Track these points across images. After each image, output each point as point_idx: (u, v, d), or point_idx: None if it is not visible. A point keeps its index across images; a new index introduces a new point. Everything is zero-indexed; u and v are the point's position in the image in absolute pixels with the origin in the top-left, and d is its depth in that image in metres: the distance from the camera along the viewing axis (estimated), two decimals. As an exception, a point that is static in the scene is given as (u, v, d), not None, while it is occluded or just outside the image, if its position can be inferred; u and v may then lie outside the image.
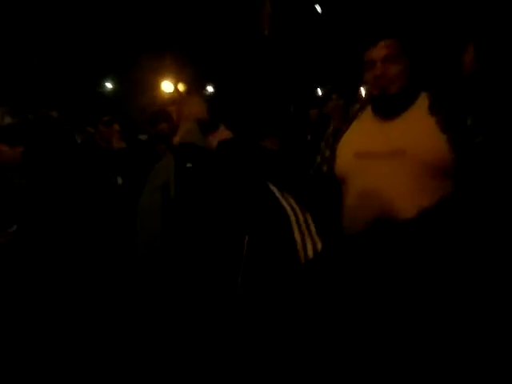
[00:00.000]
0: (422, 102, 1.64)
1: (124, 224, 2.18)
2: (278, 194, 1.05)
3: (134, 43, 11.38)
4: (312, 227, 1.03)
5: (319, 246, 1.02)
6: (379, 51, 1.62)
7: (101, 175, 2.34)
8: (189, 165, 1.24)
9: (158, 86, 12.00)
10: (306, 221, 1.02)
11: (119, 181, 2.38)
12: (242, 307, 1.03)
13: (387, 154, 1.60)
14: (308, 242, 1.00)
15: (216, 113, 1.28)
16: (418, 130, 1.59)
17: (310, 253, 1.00)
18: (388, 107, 1.66)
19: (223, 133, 1.39)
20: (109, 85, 13.94)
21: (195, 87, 10.76)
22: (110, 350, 1.95)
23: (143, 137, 4.48)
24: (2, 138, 1.86)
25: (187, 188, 1.23)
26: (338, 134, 1.83)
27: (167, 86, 11.87)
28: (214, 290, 1.05)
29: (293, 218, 1.01)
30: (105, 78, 13.62)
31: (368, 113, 1.77)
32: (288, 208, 1.02)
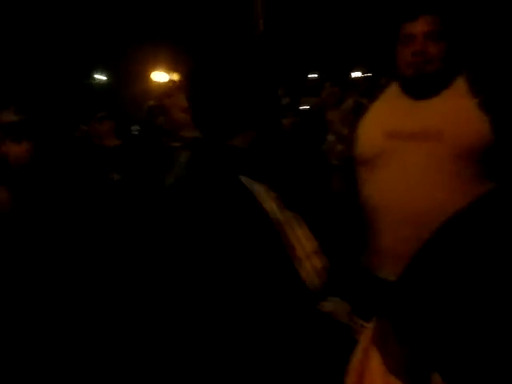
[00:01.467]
0: (459, 84, 1.54)
1: (123, 219, 2.18)
2: (248, 183, 1.05)
3: (124, 33, 11.21)
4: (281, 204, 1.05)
5: (291, 217, 1.04)
6: (422, 26, 1.49)
7: (96, 172, 2.32)
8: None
9: (150, 77, 11.88)
10: (276, 198, 1.04)
11: (115, 177, 2.37)
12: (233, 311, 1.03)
13: (422, 135, 1.49)
14: (281, 216, 1.02)
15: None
16: (456, 112, 1.49)
17: (287, 225, 1.02)
18: (422, 87, 1.54)
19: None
20: (99, 76, 13.77)
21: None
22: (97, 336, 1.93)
23: (135, 128, 4.44)
24: (8, 135, 1.85)
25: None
26: (361, 110, 1.69)
27: (160, 77, 11.75)
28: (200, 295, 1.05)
29: (265, 197, 1.03)
30: (94, 69, 13.43)
31: (395, 90, 1.64)
32: (257, 190, 1.04)
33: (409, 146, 1.52)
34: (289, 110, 3.35)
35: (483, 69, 1.69)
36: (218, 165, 1.09)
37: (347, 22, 11.34)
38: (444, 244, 0.49)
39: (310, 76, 11.95)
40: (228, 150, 1.10)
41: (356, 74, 10.53)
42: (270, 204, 1.04)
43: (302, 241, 1.04)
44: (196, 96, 1.15)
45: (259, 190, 1.04)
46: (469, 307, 0.42)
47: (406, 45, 1.51)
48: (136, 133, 3.85)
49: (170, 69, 11.17)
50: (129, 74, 11.72)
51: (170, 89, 2.47)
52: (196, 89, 1.15)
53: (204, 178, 1.09)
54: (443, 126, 1.48)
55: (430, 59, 1.49)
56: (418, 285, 0.48)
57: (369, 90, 1.81)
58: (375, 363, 0.51)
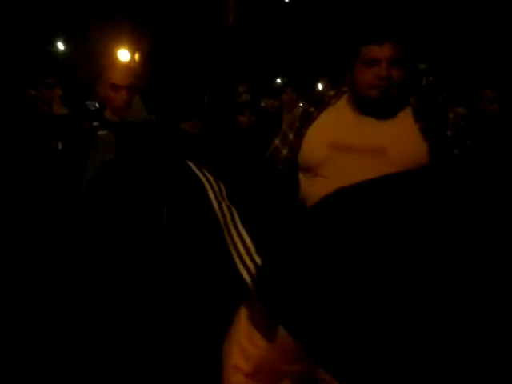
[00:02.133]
0: (407, 108, 1.62)
1: (62, 189, 2.12)
2: (194, 167, 1.07)
3: (87, 7, 10.84)
4: (224, 194, 1.06)
5: (234, 210, 1.05)
6: (387, 51, 1.53)
7: (40, 139, 2.24)
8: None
9: (112, 54, 11.53)
10: (219, 188, 1.05)
11: (59, 146, 2.30)
12: (169, 274, 1.04)
13: (367, 150, 1.56)
14: (224, 206, 1.03)
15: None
16: (402, 133, 1.58)
17: (228, 217, 1.03)
18: (378, 108, 1.61)
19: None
20: (61, 45, 13.21)
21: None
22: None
23: (92, 103, 4.31)
24: None
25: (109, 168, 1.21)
26: (308, 118, 1.73)
27: (123, 55, 11.44)
28: (139, 263, 1.06)
29: (207, 186, 1.04)
30: (57, 37, 12.88)
31: (345, 103, 1.69)
32: (203, 178, 1.05)
33: (352, 158, 1.57)
34: (247, 107, 3.37)
35: (426, 96, 1.78)
36: (168, 146, 1.09)
37: (319, 32, 11.58)
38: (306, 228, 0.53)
39: (278, 81, 12.10)
40: (178, 132, 1.11)
41: (321, 86, 10.77)
42: (212, 194, 1.06)
43: (244, 236, 1.06)
44: (153, 75, 1.16)
45: (204, 178, 1.05)
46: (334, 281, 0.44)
47: (368, 67, 1.55)
48: (92, 108, 3.75)
49: (133, 48, 10.91)
50: (91, 50, 11.33)
51: (132, 67, 2.42)
52: (154, 68, 1.16)
53: (151, 158, 1.09)
54: (388, 144, 1.55)
55: (393, 83, 1.55)
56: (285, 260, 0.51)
57: (318, 100, 1.82)
58: (243, 322, 0.54)
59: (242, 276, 1.01)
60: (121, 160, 1.18)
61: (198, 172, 1.04)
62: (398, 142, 1.55)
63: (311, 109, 1.75)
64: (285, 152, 1.78)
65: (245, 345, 0.52)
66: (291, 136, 1.77)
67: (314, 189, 1.61)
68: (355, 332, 0.41)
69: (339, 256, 0.45)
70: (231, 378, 0.54)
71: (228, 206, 1.05)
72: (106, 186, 1.15)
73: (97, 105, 3.13)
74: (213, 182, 1.04)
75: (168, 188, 1.03)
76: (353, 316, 0.41)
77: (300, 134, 1.72)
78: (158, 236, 1.02)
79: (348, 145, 1.60)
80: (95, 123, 2.10)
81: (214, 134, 1.18)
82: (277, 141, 1.85)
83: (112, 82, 2.11)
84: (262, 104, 4.11)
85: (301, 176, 1.72)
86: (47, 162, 2.21)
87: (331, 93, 1.80)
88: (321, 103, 1.76)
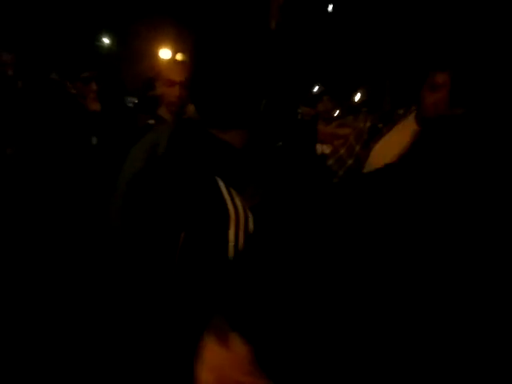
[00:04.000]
0: None
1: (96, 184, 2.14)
2: (224, 190, 0.98)
3: (134, 8, 11.12)
4: (250, 225, 0.98)
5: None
6: (445, 78, 1.63)
7: (75, 133, 2.28)
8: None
9: (155, 55, 11.79)
10: (246, 219, 0.97)
11: (93, 141, 2.34)
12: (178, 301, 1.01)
13: None
14: (240, 236, 0.96)
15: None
16: None
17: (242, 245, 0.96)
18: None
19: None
20: (106, 40, 13.60)
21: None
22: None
23: (131, 100, 4.41)
24: None
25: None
26: (376, 133, 1.85)
27: (165, 54, 11.67)
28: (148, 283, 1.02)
29: (233, 216, 0.95)
30: (103, 32, 13.27)
31: (413, 121, 1.79)
32: (230, 206, 0.96)
33: None
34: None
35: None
36: (201, 157, 1.00)
37: (359, 44, 11.48)
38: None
39: (315, 90, 12.05)
40: (216, 142, 1.01)
41: (357, 97, 10.66)
42: (233, 228, 0.95)
43: None
44: (197, 78, 1.07)
45: (232, 205, 0.95)
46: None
47: (430, 91, 1.66)
48: (130, 105, 3.82)
49: (176, 47, 11.10)
50: (135, 50, 11.61)
51: (173, 65, 2.46)
52: (199, 70, 1.07)
53: (180, 171, 1.00)
54: None
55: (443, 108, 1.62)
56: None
57: (386, 116, 1.97)
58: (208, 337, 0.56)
59: None
60: (150, 170, 1.11)
61: (226, 196, 0.94)
62: None
63: (380, 125, 1.87)
64: (350, 162, 1.88)
65: (208, 357, 0.54)
66: (357, 148, 1.87)
67: None
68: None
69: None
70: None
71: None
72: (132, 199, 1.10)
73: (135, 101, 3.17)
74: (240, 211, 0.95)
75: (190, 210, 0.94)
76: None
77: (368, 147, 1.82)
78: (170, 262, 0.95)
79: None
80: (151, 121, 2.12)
81: (263, 147, 1.10)
82: (341, 150, 1.95)
83: (168, 77, 2.17)
84: (299, 111, 4.08)
85: None
86: (81, 157, 2.25)
87: (401, 111, 1.91)
88: (390, 120, 1.88)
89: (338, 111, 4.27)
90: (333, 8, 11.87)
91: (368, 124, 1.98)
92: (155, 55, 11.72)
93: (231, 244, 0.92)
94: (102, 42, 13.47)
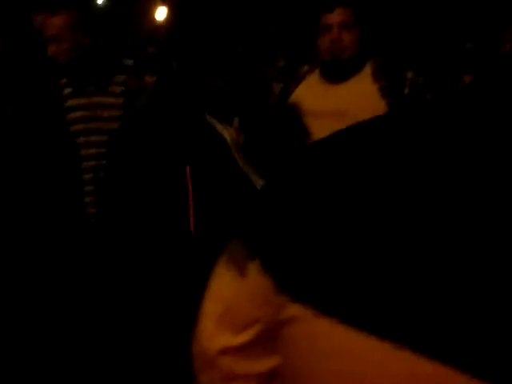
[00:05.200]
0: (368, 69, 1.80)
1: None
2: (216, 123, 1.05)
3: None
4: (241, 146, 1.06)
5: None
6: (337, 17, 1.72)
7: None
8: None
9: (152, 14, 11.43)
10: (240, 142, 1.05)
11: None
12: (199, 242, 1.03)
13: (330, 114, 1.72)
14: (241, 156, 1.04)
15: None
16: (360, 94, 1.74)
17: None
18: (336, 72, 1.79)
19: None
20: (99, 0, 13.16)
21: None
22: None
23: (129, 61, 4.33)
24: None
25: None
26: (286, 94, 1.96)
27: (161, 13, 11.32)
28: (166, 226, 1.05)
29: (229, 138, 1.03)
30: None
31: (315, 75, 1.90)
32: (226, 135, 1.04)
33: (317, 123, 1.75)
34: (284, 73, 3.31)
35: (385, 58, 1.94)
36: (190, 98, 1.10)
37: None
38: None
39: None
40: (201, 82, 1.11)
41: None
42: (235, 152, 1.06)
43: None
44: (180, 26, 1.15)
45: (226, 132, 1.04)
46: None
47: (324, 34, 1.75)
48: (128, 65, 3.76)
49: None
50: (131, 8, 11.25)
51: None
52: (181, 20, 1.18)
53: (169, 108, 1.10)
54: (348, 106, 1.71)
55: (344, 47, 1.73)
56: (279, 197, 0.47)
57: (294, 76, 2.17)
58: (218, 267, 0.52)
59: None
60: (144, 114, 1.17)
61: (219, 127, 1.03)
62: (357, 102, 1.70)
63: (288, 85, 2.00)
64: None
65: (216, 286, 0.51)
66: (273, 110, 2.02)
67: None
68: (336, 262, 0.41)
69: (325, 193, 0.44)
70: (200, 325, 0.53)
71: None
72: (128, 142, 1.14)
73: (132, 62, 3.11)
74: (234, 137, 1.04)
75: (190, 145, 1.05)
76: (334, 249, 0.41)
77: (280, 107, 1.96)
78: (182, 195, 1.01)
79: (314, 111, 1.78)
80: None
81: (241, 85, 1.17)
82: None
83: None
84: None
85: None
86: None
87: (305, 68, 2.06)
88: (296, 79, 2.01)
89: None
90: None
91: (278, 88, 2.11)
92: (148, 15, 11.36)
93: (240, 162, 1.06)
94: (95, 2, 13.03)
